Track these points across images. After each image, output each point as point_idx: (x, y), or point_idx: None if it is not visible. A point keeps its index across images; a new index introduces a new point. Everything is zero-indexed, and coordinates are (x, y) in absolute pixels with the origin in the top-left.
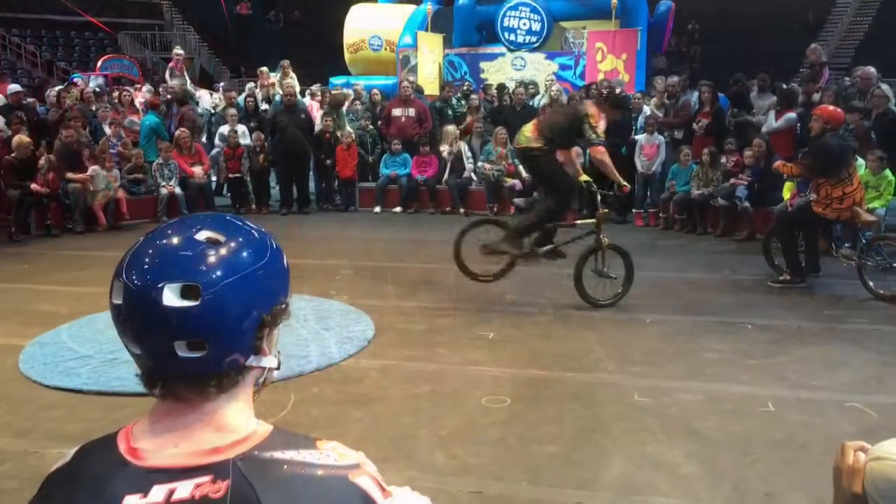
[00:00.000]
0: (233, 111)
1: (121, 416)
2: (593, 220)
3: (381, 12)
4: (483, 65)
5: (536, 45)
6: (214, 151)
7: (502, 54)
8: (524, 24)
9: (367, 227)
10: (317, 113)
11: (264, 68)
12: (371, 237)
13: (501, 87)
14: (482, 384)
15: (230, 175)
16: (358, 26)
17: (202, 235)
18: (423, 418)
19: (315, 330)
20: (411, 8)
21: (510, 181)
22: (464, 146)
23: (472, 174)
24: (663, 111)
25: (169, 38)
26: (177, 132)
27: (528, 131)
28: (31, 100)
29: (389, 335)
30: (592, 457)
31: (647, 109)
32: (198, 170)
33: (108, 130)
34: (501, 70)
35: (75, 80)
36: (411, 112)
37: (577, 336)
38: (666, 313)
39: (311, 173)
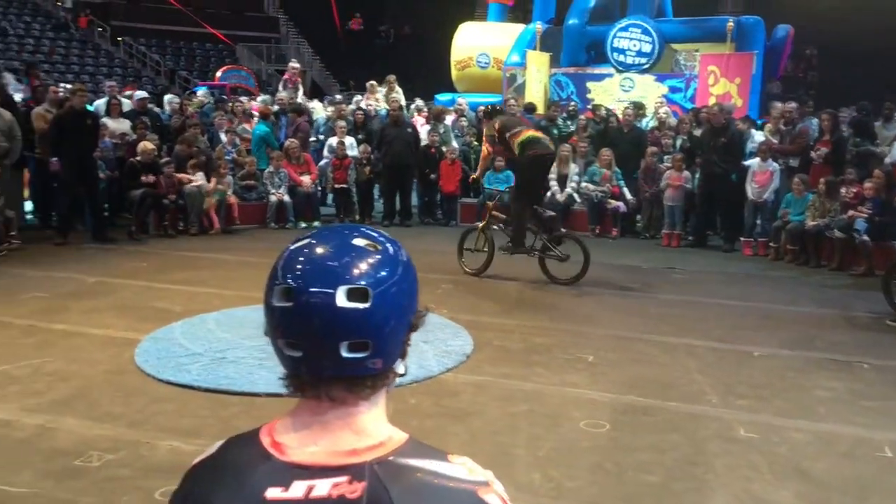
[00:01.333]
0: (342, 123)
1: (227, 413)
2: None
3: (490, 30)
4: (590, 85)
5: (646, 66)
6: (323, 162)
7: (610, 75)
8: (634, 45)
9: None
10: (422, 127)
11: (373, 82)
12: None
13: (607, 109)
14: (580, 407)
15: (336, 185)
16: (467, 43)
17: (359, 242)
18: (521, 437)
19: (414, 341)
20: (520, 27)
21: (613, 203)
22: (573, 167)
23: (575, 195)
24: (778, 137)
25: (284, 51)
26: (286, 142)
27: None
28: (156, 108)
29: (487, 352)
30: (693, 490)
31: (758, 136)
32: (306, 179)
33: (223, 138)
34: (609, 91)
35: (197, 91)
36: None
37: (679, 364)
38: (774, 347)
39: (413, 187)
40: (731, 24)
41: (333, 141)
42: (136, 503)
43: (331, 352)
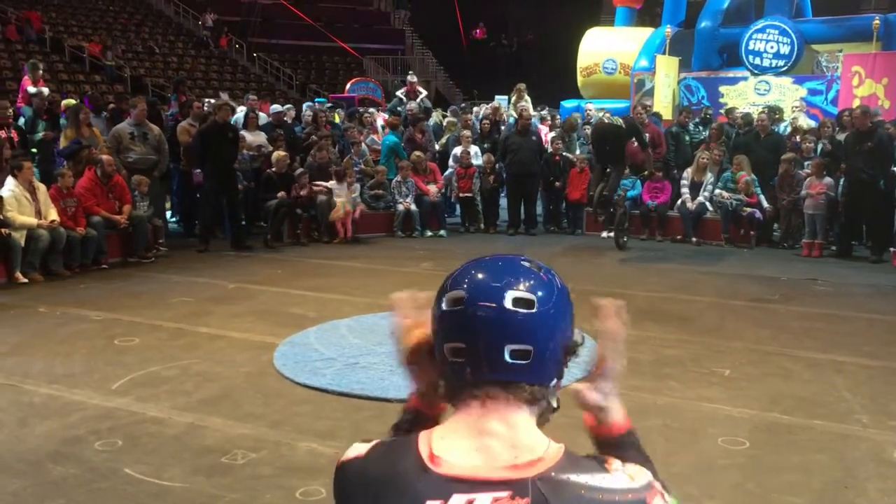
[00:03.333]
0: (467, 133)
1: (360, 417)
2: None
3: (617, 35)
4: (722, 89)
5: (784, 69)
6: (448, 171)
7: (744, 78)
8: (771, 46)
9: (593, 252)
10: (546, 136)
11: (521, 85)
12: (596, 262)
13: (746, 115)
14: (717, 423)
15: (461, 194)
16: (593, 49)
17: (525, 263)
18: (655, 453)
19: None
20: (648, 31)
21: (748, 210)
22: (708, 174)
23: (708, 202)
24: None
25: (409, 62)
26: (414, 154)
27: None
28: (288, 120)
29: None
30: None
31: None
32: (432, 188)
33: (352, 149)
34: (742, 94)
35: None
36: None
37: (824, 380)
38: None
39: (538, 195)
40: (878, 21)
41: (458, 150)
42: (279, 501)
43: (495, 354)
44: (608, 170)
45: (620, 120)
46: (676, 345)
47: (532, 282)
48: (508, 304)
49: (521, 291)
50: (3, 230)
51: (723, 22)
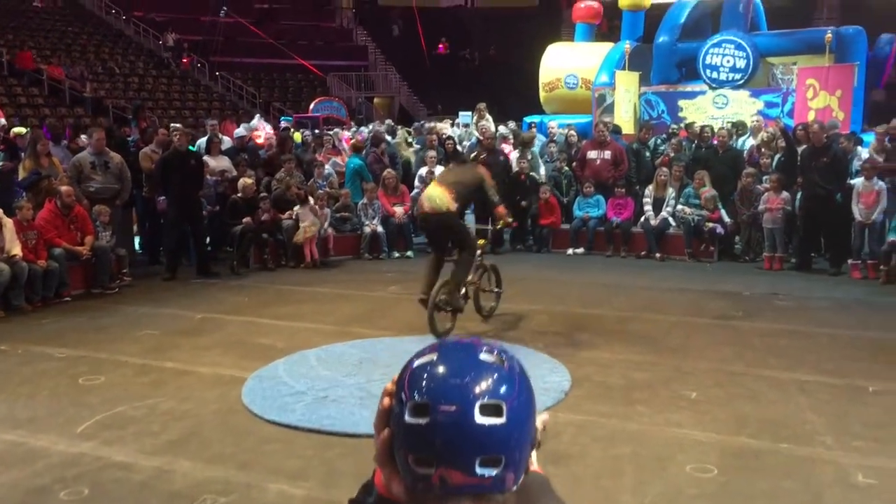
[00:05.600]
0: (432, 153)
1: (332, 454)
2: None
3: (578, 51)
4: (682, 103)
5: (741, 82)
6: (414, 192)
7: (703, 92)
8: (728, 60)
9: (561, 270)
10: (511, 154)
11: (481, 105)
12: (565, 280)
13: (702, 128)
14: (686, 449)
15: None
16: (554, 65)
17: (486, 357)
18: (626, 482)
19: None
20: (608, 46)
21: (710, 225)
22: (669, 190)
23: (671, 218)
24: (884, 156)
25: (373, 79)
26: (384, 173)
27: (442, 194)
28: (252, 142)
29: (586, 388)
30: None
31: (864, 153)
32: (399, 210)
33: (315, 172)
34: (701, 108)
35: (284, 122)
36: (607, 155)
37: (789, 401)
38: (891, 381)
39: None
40: (830, 35)
41: (424, 171)
42: None
43: (465, 468)
44: (450, 256)
45: (478, 174)
46: (645, 367)
47: (497, 381)
48: (477, 415)
49: (488, 398)
50: None
51: (680, 36)
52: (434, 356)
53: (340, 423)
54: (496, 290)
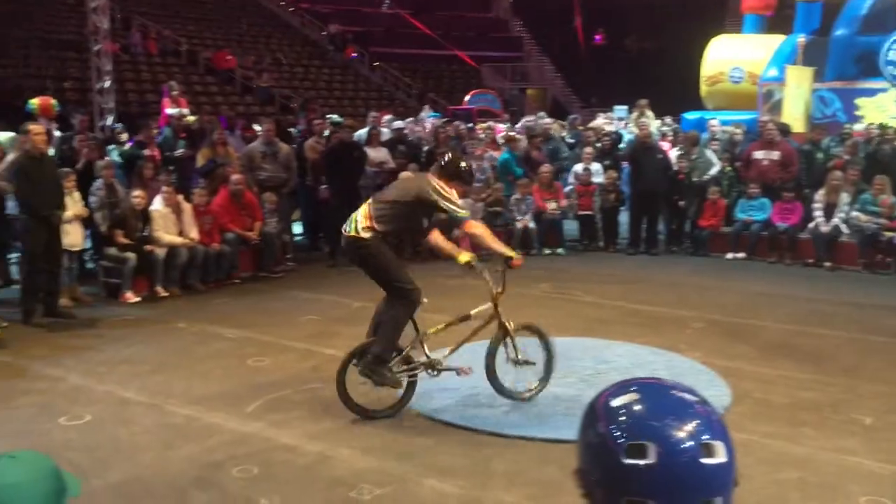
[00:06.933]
0: (589, 150)
1: (481, 456)
2: (489, 305)
3: (745, 43)
4: (859, 101)
5: None
6: (567, 188)
7: (884, 90)
8: None
9: (719, 276)
10: (672, 152)
11: (643, 101)
12: (723, 287)
13: (883, 127)
14: (858, 479)
15: (580, 212)
16: (719, 57)
17: (688, 396)
18: None
19: None
20: (780, 38)
21: (889, 234)
22: (843, 195)
23: (843, 225)
24: None
25: (527, 70)
26: (541, 168)
27: (360, 213)
28: (407, 130)
29: (747, 405)
30: None
31: None
32: (552, 205)
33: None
34: (881, 107)
35: (432, 118)
36: (775, 156)
37: None
38: None
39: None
40: None
41: (579, 167)
42: None
43: None
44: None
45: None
46: (812, 386)
47: (709, 420)
48: (705, 457)
49: (710, 440)
50: (147, 247)
51: (861, 29)
52: (636, 395)
53: (493, 422)
54: (531, 360)
